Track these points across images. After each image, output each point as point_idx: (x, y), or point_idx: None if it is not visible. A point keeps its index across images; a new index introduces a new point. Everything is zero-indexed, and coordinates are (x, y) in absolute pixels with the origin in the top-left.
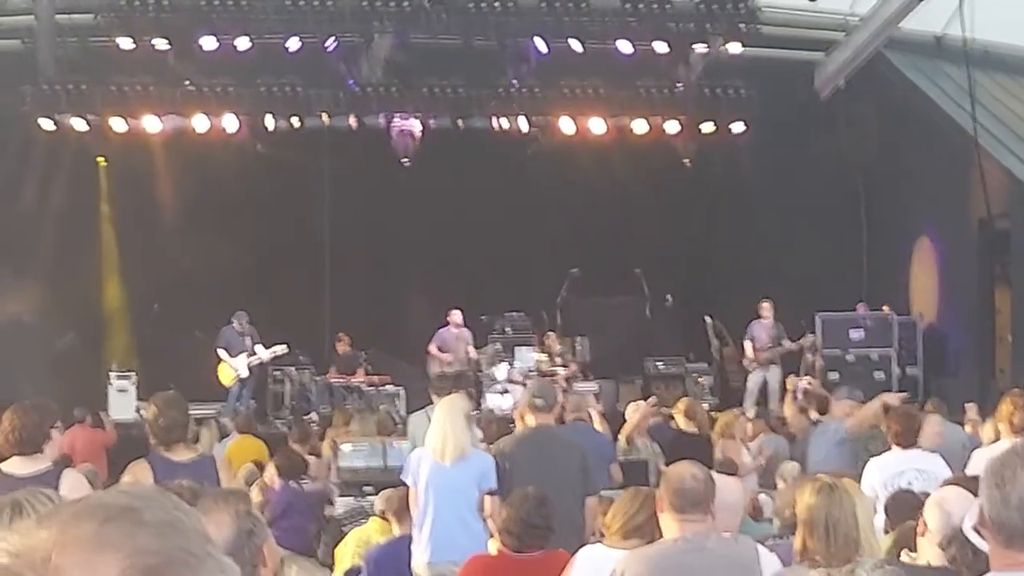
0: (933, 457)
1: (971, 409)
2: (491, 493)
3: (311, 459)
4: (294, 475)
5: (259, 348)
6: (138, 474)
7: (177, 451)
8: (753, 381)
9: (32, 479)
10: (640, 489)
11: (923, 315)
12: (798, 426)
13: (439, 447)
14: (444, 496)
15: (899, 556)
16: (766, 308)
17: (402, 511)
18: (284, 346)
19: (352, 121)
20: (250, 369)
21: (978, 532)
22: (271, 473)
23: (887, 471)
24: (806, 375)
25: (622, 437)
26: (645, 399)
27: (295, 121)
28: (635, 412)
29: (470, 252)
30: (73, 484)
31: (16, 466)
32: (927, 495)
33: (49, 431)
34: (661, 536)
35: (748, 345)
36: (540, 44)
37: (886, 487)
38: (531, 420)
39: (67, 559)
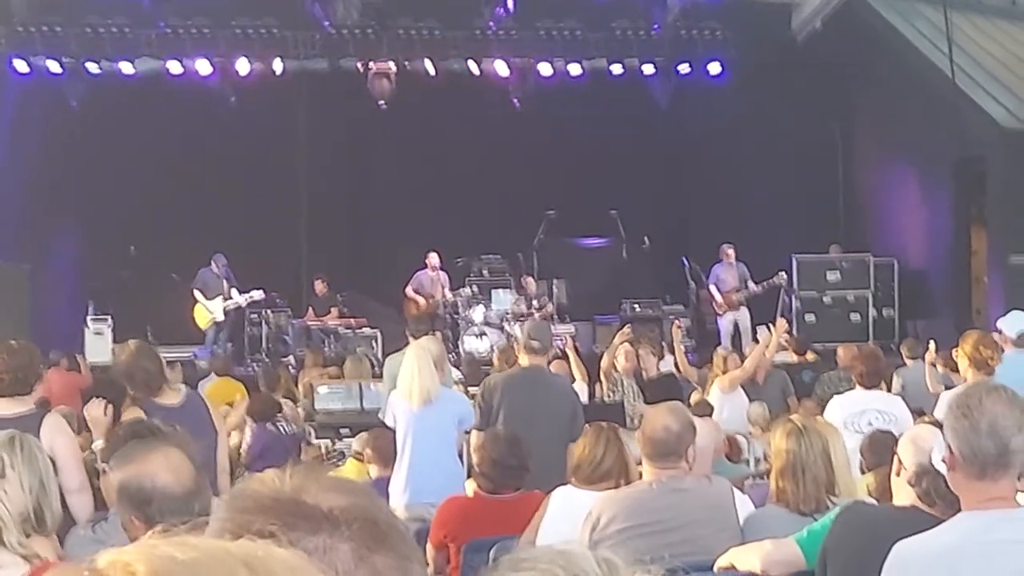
0: (894, 399)
1: (932, 349)
2: (479, 430)
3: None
4: (268, 417)
5: (235, 292)
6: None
7: (165, 396)
8: (724, 325)
9: (15, 420)
10: (602, 429)
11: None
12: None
13: (407, 390)
14: (419, 438)
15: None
16: (728, 252)
17: (379, 453)
18: (260, 291)
19: (326, 63)
20: (226, 313)
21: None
22: (240, 413)
23: (848, 409)
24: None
25: (602, 371)
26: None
27: (271, 63)
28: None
29: (446, 195)
30: (53, 427)
31: (1, 407)
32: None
33: (41, 373)
34: (629, 478)
35: (714, 289)
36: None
37: (846, 426)
38: (524, 360)
39: None
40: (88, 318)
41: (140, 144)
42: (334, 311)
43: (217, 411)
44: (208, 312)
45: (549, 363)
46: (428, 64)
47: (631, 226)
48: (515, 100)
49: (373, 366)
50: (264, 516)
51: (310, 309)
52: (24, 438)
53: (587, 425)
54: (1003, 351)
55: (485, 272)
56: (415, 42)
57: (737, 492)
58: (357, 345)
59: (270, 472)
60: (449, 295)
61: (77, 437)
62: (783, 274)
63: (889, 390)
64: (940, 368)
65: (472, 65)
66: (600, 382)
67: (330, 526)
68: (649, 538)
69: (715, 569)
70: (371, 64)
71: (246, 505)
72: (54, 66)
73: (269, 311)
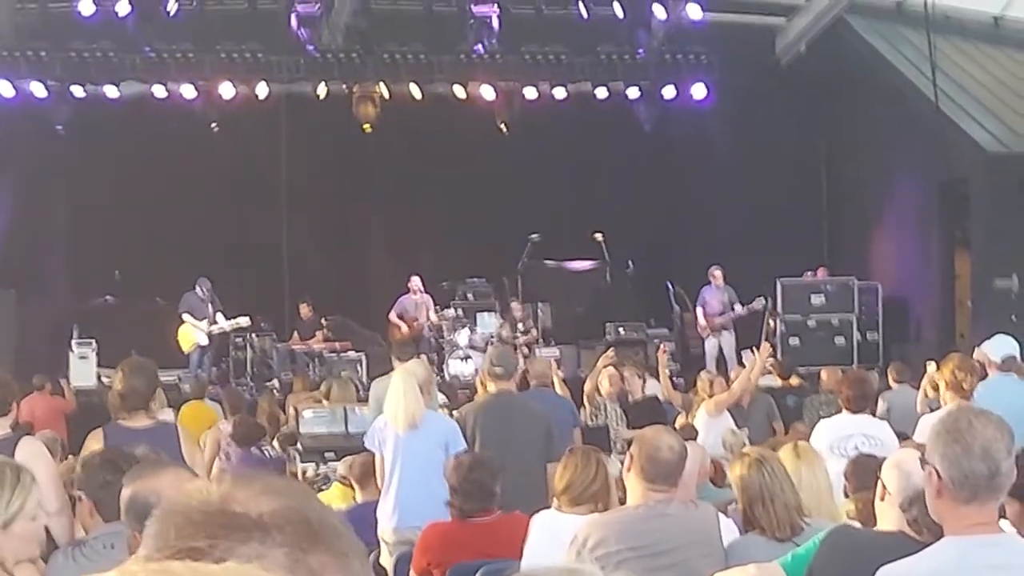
0: (881, 424)
1: (931, 371)
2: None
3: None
4: (251, 442)
5: (220, 317)
6: (90, 444)
7: (135, 418)
8: (708, 348)
9: None
10: (590, 453)
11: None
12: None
13: (393, 415)
14: (406, 463)
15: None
16: (716, 274)
17: (364, 477)
18: (246, 318)
19: (311, 87)
20: (210, 337)
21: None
22: (226, 435)
23: (834, 434)
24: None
25: (585, 395)
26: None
27: (255, 87)
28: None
29: (431, 218)
30: (29, 451)
31: None
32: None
33: (16, 396)
34: (608, 504)
35: (700, 312)
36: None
37: (832, 450)
38: (492, 387)
39: None
40: (73, 342)
41: (125, 168)
42: (319, 335)
43: (191, 445)
44: (192, 336)
45: (518, 387)
46: (413, 88)
47: (615, 250)
48: (500, 124)
49: (358, 390)
50: (194, 530)
51: (295, 333)
52: (13, 464)
53: (570, 449)
54: (984, 375)
55: (470, 296)
56: (400, 66)
57: (722, 516)
58: (342, 369)
59: (198, 482)
60: (434, 317)
61: (62, 463)
62: (761, 299)
63: (874, 413)
64: (931, 392)
65: (458, 89)
66: (584, 406)
67: (261, 533)
68: (636, 562)
69: None
70: (355, 88)
71: (176, 521)
72: (39, 89)
73: (253, 335)
